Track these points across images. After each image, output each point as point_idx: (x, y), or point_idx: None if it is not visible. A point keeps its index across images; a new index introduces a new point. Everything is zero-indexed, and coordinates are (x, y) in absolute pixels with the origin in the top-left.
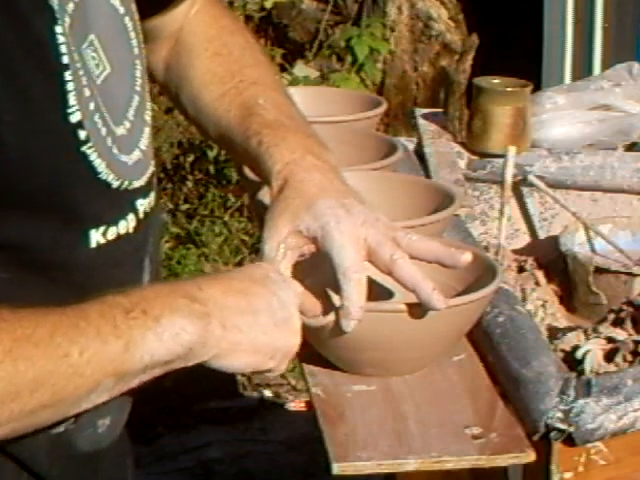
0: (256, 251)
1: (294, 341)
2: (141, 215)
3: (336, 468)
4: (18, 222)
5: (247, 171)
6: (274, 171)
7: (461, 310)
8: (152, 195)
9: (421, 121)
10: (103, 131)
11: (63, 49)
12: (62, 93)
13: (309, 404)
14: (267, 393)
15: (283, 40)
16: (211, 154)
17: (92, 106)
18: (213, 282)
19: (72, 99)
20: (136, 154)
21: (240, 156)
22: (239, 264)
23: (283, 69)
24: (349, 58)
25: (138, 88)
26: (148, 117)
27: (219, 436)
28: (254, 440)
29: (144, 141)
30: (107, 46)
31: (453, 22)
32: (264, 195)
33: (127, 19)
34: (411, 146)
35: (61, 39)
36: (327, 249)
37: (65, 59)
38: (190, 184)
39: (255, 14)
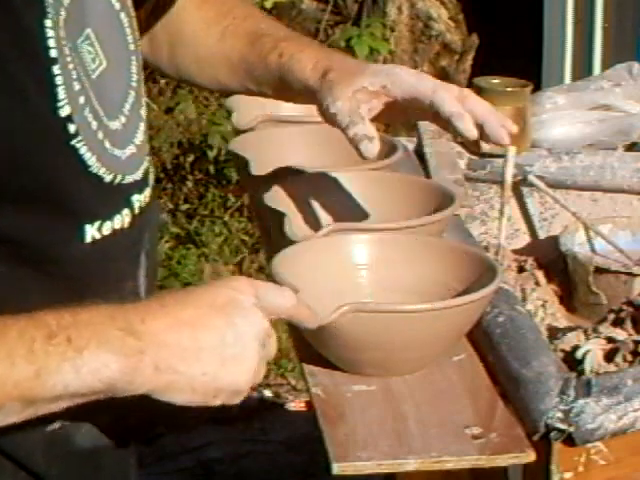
0: (256, 251)
1: (243, 380)
2: (136, 210)
3: (336, 468)
4: (11, 214)
5: (248, 169)
6: (308, 69)
7: (461, 310)
8: (147, 191)
9: (421, 121)
10: (94, 125)
11: (52, 43)
12: (51, 86)
13: (309, 404)
14: (267, 393)
15: None
16: (211, 154)
17: (82, 100)
18: (159, 313)
19: (61, 93)
20: (130, 149)
21: (259, 82)
22: (239, 264)
23: None
24: None
25: (134, 84)
26: (143, 113)
27: (219, 436)
28: (254, 440)
29: (139, 136)
30: (103, 41)
31: (453, 22)
32: (266, 197)
33: (123, 15)
34: (411, 146)
35: (50, 33)
36: (402, 89)
37: (53, 53)
38: (190, 184)
39: None
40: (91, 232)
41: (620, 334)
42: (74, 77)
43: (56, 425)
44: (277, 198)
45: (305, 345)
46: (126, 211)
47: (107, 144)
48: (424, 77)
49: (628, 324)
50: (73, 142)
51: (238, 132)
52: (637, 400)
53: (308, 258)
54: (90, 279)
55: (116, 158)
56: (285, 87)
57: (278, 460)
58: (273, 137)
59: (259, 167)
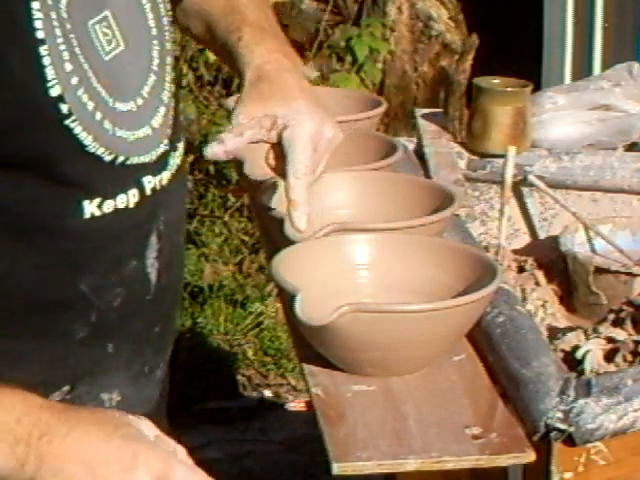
0: (256, 251)
1: None
2: (148, 192)
3: (336, 468)
4: (4, 179)
5: (247, 171)
6: (253, 65)
7: (461, 310)
8: (166, 174)
9: (421, 121)
10: (90, 105)
11: (38, 24)
12: (38, 66)
13: (309, 404)
14: (267, 393)
15: None
16: None
17: (75, 80)
18: (62, 441)
19: (50, 73)
20: (144, 131)
21: (220, 51)
22: (239, 264)
23: None
24: (349, 58)
25: (155, 68)
26: (166, 98)
27: (219, 436)
28: (254, 440)
29: (158, 119)
30: (123, 24)
31: (453, 22)
32: (266, 197)
33: (144, 0)
34: (411, 146)
35: (37, 14)
36: (290, 141)
37: (40, 34)
38: (190, 184)
39: None
40: (90, 209)
41: (620, 334)
42: (66, 58)
43: (55, 397)
44: (276, 199)
45: (305, 345)
46: (134, 191)
47: (107, 124)
48: (309, 149)
49: (628, 324)
50: (67, 122)
51: None
52: (637, 400)
53: (308, 258)
54: (86, 255)
55: (119, 139)
56: (234, 68)
57: (278, 460)
58: None
59: (258, 167)
